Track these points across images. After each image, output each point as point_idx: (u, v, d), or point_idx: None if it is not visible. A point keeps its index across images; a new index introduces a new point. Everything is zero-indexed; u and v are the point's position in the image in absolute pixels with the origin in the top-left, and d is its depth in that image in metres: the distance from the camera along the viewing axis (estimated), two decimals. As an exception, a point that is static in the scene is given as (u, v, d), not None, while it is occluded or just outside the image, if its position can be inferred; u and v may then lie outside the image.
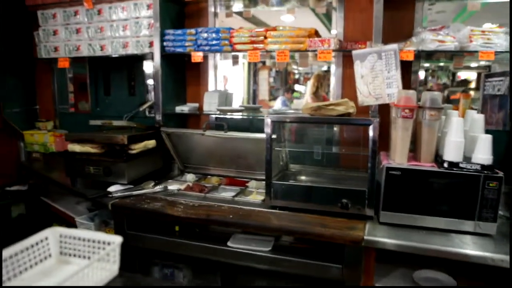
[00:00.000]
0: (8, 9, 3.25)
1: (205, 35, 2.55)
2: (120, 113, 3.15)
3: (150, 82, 3.16)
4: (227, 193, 2.39)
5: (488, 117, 2.24)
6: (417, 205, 1.82)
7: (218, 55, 2.93)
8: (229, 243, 2.02)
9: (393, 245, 1.70)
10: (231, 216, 2.00)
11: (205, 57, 2.88)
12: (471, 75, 2.57)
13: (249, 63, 3.00)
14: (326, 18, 2.70)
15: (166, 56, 2.71)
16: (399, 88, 2.06)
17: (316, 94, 3.06)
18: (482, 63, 2.44)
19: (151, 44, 2.77)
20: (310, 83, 2.97)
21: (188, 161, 2.84)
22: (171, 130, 2.67)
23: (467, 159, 1.78)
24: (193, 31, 2.59)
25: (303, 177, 2.49)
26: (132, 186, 2.48)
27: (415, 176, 1.82)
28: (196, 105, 2.92)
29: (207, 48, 2.56)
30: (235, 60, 2.95)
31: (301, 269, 1.89)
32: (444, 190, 1.78)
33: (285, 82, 3.05)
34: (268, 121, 2.07)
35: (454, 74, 2.57)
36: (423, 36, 2.13)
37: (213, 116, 2.89)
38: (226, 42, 2.52)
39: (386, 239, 1.72)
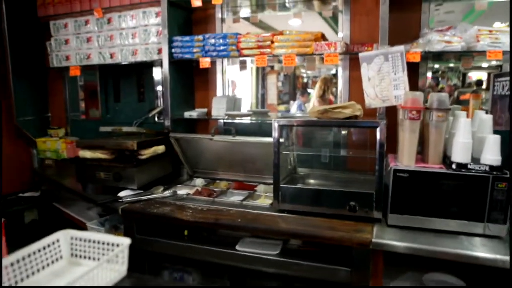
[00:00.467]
0: (21, 21, 3.34)
1: (213, 41, 2.58)
2: (130, 120, 3.20)
3: (159, 88, 3.20)
4: (236, 197, 2.41)
5: (498, 117, 2.20)
6: (425, 207, 1.81)
7: (225, 60, 2.95)
8: (237, 247, 2.03)
9: (401, 248, 1.69)
10: (239, 220, 2.01)
11: (213, 63, 2.91)
12: (483, 75, 2.53)
13: (257, 68, 3.02)
14: (333, 21, 2.70)
15: (175, 63, 2.75)
16: (406, 89, 2.05)
17: (322, 98, 3.06)
18: (493, 63, 2.40)
19: (159, 51, 2.81)
20: (316, 86, 2.97)
21: (197, 166, 2.86)
22: (180, 135, 2.70)
23: (475, 160, 1.76)
24: (200, 37, 2.62)
25: (311, 181, 2.49)
26: (141, 191, 2.51)
27: (423, 178, 1.81)
28: (205, 110, 2.94)
29: (214, 53, 2.59)
30: (243, 65, 2.97)
31: (309, 272, 1.88)
32: (452, 192, 1.77)
33: (294, 86, 3.06)
34: (275, 125, 2.09)
35: (464, 75, 2.54)
36: (430, 37, 2.11)
37: (222, 121, 2.90)
38: (233, 47, 2.54)
39: (394, 242, 1.71)
